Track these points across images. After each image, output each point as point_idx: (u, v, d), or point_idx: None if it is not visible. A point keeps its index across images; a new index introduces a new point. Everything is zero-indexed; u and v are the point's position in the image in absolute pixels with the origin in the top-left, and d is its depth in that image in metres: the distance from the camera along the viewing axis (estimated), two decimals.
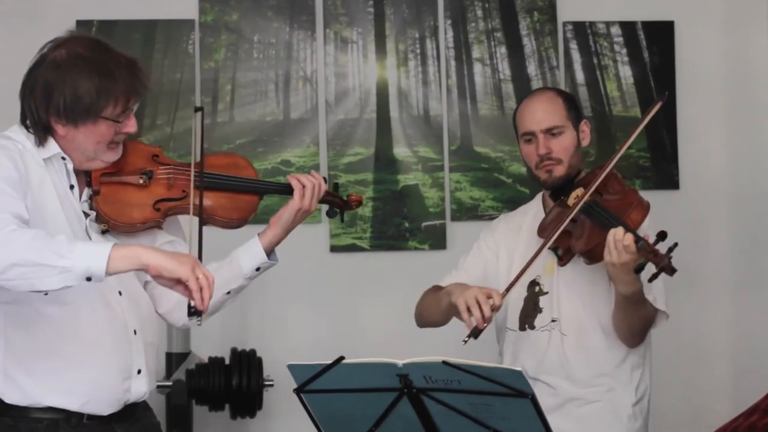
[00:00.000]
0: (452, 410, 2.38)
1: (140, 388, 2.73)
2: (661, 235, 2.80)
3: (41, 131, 2.61)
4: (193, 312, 2.48)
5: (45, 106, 2.59)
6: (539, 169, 3.15)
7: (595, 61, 4.70)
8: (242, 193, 2.84)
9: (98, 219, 2.68)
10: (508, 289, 3.01)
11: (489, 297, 2.93)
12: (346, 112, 4.61)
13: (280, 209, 2.86)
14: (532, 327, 3.17)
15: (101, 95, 2.57)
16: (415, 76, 4.64)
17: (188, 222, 2.80)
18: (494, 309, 2.93)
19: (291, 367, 2.45)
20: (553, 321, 3.14)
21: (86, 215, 2.68)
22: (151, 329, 2.79)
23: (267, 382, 4.22)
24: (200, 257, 2.63)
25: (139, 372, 2.72)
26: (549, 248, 3.05)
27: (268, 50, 4.59)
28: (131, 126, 2.64)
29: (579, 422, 3.08)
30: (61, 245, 2.37)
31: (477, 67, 4.66)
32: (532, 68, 4.67)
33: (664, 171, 4.69)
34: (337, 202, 3.01)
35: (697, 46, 4.73)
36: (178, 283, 2.45)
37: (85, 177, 2.70)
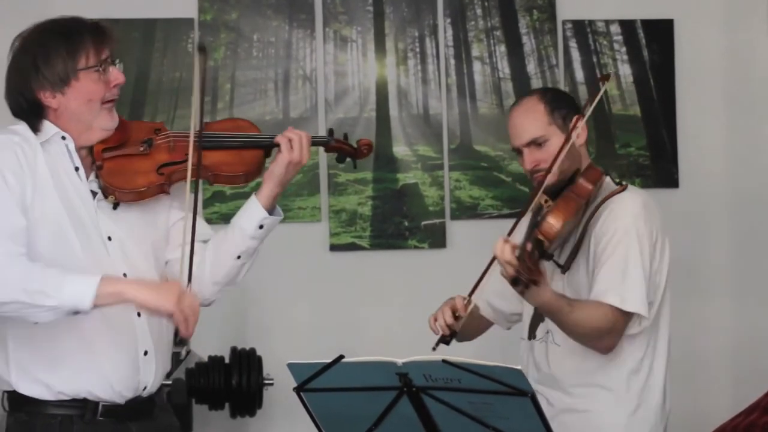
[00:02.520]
0: (452, 409, 2.38)
1: (149, 371, 2.73)
2: (536, 243, 2.68)
3: (33, 115, 2.66)
4: (180, 341, 2.54)
5: (27, 84, 2.64)
6: (533, 180, 3.06)
7: (595, 59, 4.69)
8: (244, 149, 2.84)
9: (106, 192, 2.70)
10: (470, 294, 2.98)
11: (454, 306, 2.97)
12: (346, 111, 4.61)
13: (271, 164, 2.85)
14: (535, 336, 3.11)
15: (70, 51, 2.64)
16: (414, 75, 4.64)
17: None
18: (457, 317, 2.95)
19: (291, 366, 2.45)
20: (547, 332, 3.07)
21: (96, 195, 2.71)
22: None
23: (267, 381, 4.22)
24: (194, 222, 2.67)
25: (146, 354, 2.72)
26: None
27: (267, 49, 4.59)
28: (118, 76, 2.69)
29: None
30: (50, 284, 2.48)
31: (476, 66, 4.66)
32: (531, 67, 4.67)
33: (663, 169, 4.69)
34: (346, 150, 2.99)
35: (697, 44, 4.73)
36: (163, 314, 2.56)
37: (90, 159, 2.72)
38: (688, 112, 4.72)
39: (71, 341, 2.64)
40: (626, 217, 2.95)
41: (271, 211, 2.82)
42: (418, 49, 4.64)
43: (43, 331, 2.61)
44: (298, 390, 2.46)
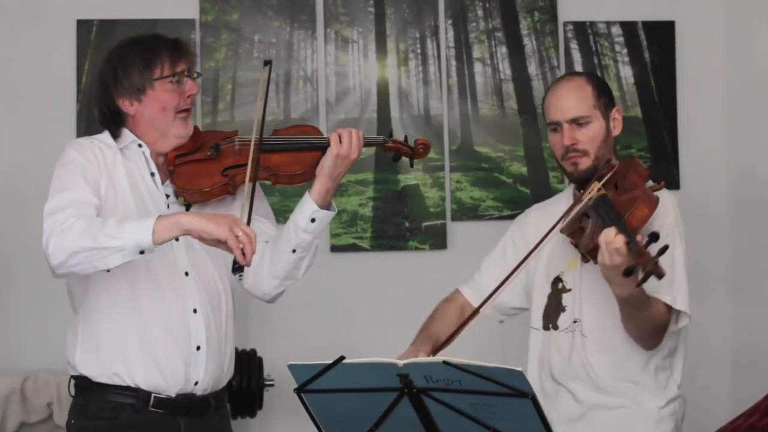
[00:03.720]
0: (452, 410, 2.38)
1: (200, 366, 2.87)
2: (653, 237, 2.63)
3: (114, 123, 2.89)
4: (237, 267, 2.69)
5: (108, 92, 2.89)
6: (565, 160, 3.03)
7: (596, 61, 4.70)
8: (302, 151, 2.98)
9: (176, 194, 2.90)
10: (482, 304, 3.03)
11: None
12: (347, 112, 4.61)
13: (321, 159, 2.97)
14: (556, 327, 3.06)
15: (147, 62, 2.85)
16: (415, 76, 4.64)
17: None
18: None
19: (291, 367, 2.45)
20: (575, 322, 3.02)
21: (169, 197, 2.93)
22: (216, 311, 2.94)
23: (267, 382, 4.22)
24: (249, 218, 2.78)
25: (198, 349, 2.86)
26: (572, 244, 2.97)
27: (268, 50, 4.59)
28: (191, 87, 2.90)
29: (604, 429, 2.97)
30: (112, 227, 2.65)
31: (477, 67, 4.66)
32: (532, 68, 4.67)
33: (664, 171, 4.69)
34: (404, 150, 3.14)
35: (698, 45, 4.74)
36: (219, 242, 2.65)
37: (166, 165, 2.93)
38: (689, 114, 4.72)
39: (132, 331, 2.84)
40: (669, 215, 2.98)
41: (326, 207, 2.95)
42: (419, 50, 4.65)
43: (110, 318, 2.84)
44: (299, 391, 2.47)
